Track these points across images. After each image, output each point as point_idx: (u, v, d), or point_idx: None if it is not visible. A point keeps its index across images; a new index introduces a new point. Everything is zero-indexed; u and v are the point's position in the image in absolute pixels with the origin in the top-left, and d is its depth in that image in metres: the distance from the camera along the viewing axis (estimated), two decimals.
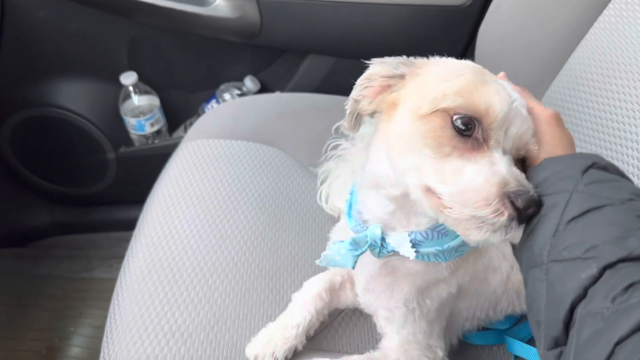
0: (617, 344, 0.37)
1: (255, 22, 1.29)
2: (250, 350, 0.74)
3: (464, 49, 1.37)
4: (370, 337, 0.81)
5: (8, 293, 1.48)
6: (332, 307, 0.80)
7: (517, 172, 0.50)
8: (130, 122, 1.45)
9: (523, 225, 0.50)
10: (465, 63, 0.57)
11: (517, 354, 0.78)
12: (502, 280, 0.73)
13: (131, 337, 0.76)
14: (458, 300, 0.72)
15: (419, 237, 0.60)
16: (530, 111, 0.55)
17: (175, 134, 1.56)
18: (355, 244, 0.61)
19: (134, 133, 1.48)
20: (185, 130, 1.48)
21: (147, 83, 1.45)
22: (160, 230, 0.91)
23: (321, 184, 1.05)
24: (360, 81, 0.59)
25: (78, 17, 1.31)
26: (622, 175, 0.51)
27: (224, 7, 1.26)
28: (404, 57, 0.59)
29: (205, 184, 1.00)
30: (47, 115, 1.41)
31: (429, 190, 0.52)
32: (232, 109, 1.23)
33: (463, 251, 0.63)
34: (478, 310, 0.76)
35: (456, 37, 1.33)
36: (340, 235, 0.72)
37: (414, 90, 0.55)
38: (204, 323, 0.78)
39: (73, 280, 1.54)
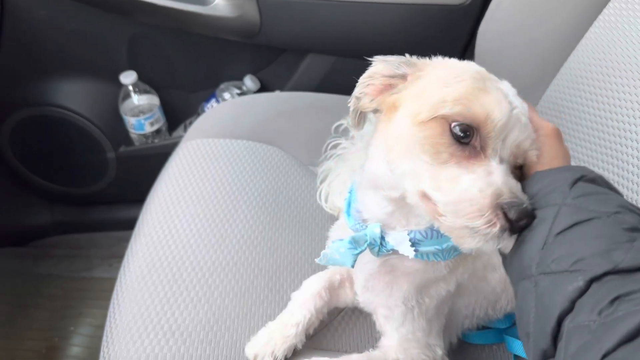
0: (604, 357, 0.37)
1: (254, 21, 1.29)
2: (250, 349, 0.75)
3: (464, 48, 1.37)
4: (370, 336, 0.81)
5: (8, 292, 1.48)
6: (331, 306, 0.80)
7: (512, 182, 0.50)
8: (130, 121, 1.45)
9: (515, 235, 0.50)
10: (467, 66, 0.56)
11: (516, 353, 0.78)
12: (501, 278, 0.73)
13: (131, 337, 0.76)
14: (457, 298, 0.72)
15: (418, 236, 0.60)
16: (530, 122, 0.55)
17: (175, 134, 1.56)
18: (354, 242, 0.61)
19: (133, 132, 1.48)
20: (185, 129, 1.48)
21: (147, 82, 1.45)
22: (160, 230, 0.91)
23: (321, 183, 1.05)
24: (362, 79, 0.59)
25: (78, 16, 1.31)
26: (610, 187, 0.51)
27: (224, 6, 1.26)
28: (407, 56, 0.59)
29: (205, 183, 1.00)
30: (46, 114, 1.41)
31: (425, 196, 0.52)
32: (232, 108, 1.23)
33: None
34: (477, 309, 0.76)
35: (456, 36, 1.33)
36: (340, 234, 0.72)
37: (414, 93, 0.55)
38: (204, 322, 0.78)
39: (73, 280, 1.54)
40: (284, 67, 1.48)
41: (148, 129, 1.46)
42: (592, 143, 0.85)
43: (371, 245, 0.62)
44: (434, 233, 0.60)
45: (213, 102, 1.49)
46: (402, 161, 0.54)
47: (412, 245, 0.60)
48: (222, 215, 0.94)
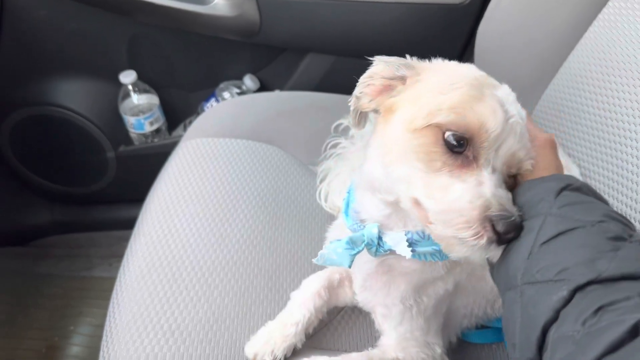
0: None
1: (254, 21, 1.29)
2: (250, 348, 0.75)
3: (464, 47, 1.37)
4: (369, 335, 0.81)
5: (8, 292, 1.48)
6: (330, 305, 0.80)
7: (502, 193, 0.50)
8: (130, 120, 1.45)
9: (503, 246, 0.50)
10: (466, 71, 0.56)
11: None
12: None
13: (130, 336, 0.76)
14: (455, 297, 0.72)
15: (415, 237, 0.60)
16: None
17: (175, 133, 1.56)
18: (352, 243, 0.62)
19: (133, 132, 1.48)
20: (185, 129, 1.48)
21: (147, 82, 1.45)
22: (160, 229, 0.91)
23: (320, 182, 1.05)
24: (362, 78, 0.59)
25: (77, 16, 1.31)
26: (595, 195, 0.51)
27: (223, 5, 1.26)
28: (408, 57, 0.59)
29: (205, 183, 1.00)
30: (46, 114, 1.41)
31: (417, 203, 0.53)
32: (232, 108, 1.23)
33: None
34: (476, 308, 0.76)
35: (455, 35, 1.33)
36: (338, 233, 0.73)
37: (410, 98, 0.55)
38: (204, 322, 0.78)
39: (73, 279, 1.54)
40: (283, 66, 1.48)
41: (148, 128, 1.46)
42: (592, 142, 0.85)
43: (369, 246, 0.62)
44: None
45: (213, 101, 1.49)
46: (396, 166, 0.55)
47: (410, 245, 0.60)
48: (222, 215, 0.94)
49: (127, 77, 1.38)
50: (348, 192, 0.68)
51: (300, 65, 1.45)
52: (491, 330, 0.82)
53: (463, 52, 1.38)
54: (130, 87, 1.41)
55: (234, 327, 0.79)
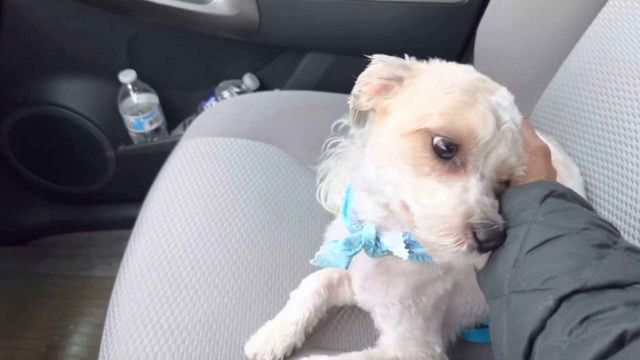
0: None
1: (254, 20, 1.29)
2: (249, 348, 0.75)
3: (463, 47, 1.36)
4: (369, 334, 0.81)
5: (8, 292, 1.48)
6: (330, 304, 0.80)
7: (487, 201, 0.50)
8: (129, 120, 1.45)
9: (488, 253, 0.50)
10: (461, 75, 0.55)
11: None
12: None
13: (130, 336, 0.76)
14: (454, 296, 0.72)
15: (412, 238, 0.60)
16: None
17: (174, 132, 1.55)
18: (349, 244, 0.61)
19: (133, 131, 1.48)
20: (184, 128, 1.48)
21: (146, 81, 1.45)
22: (159, 229, 0.91)
23: (320, 181, 1.05)
24: (360, 77, 0.59)
25: (77, 15, 1.31)
26: (579, 201, 0.51)
27: (223, 4, 1.26)
28: (406, 57, 0.59)
29: (204, 182, 1.00)
30: (46, 113, 1.41)
31: (405, 206, 0.53)
32: (231, 107, 1.23)
33: None
34: (475, 307, 0.76)
35: (455, 35, 1.33)
36: (337, 233, 0.73)
37: (404, 101, 0.55)
38: (203, 321, 0.78)
39: (73, 279, 1.54)
40: (283, 65, 1.48)
41: (147, 127, 1.46)
42: (592, 141, 0.85)
43: (366, 247, 0.62)
44: None
45: (212, 100, 1.49)
46: (387, 169, 0.55)
47: (407, 247, 0.60)
48: (222, 214, 0.94)
49: (127, 76, 1.38)
50: (347, 192, 0.68)
51: (299, 65, 1.45)
52: None
53: (463, 51, 1.38)
54: (129, 86, 1.41)
55: (234, 326, 0.79)
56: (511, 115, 0.52)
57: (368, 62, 0.59)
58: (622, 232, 0.75)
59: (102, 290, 1.44)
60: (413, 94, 0.55)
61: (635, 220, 0.73)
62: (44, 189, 1.57)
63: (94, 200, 1.63)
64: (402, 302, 0.68)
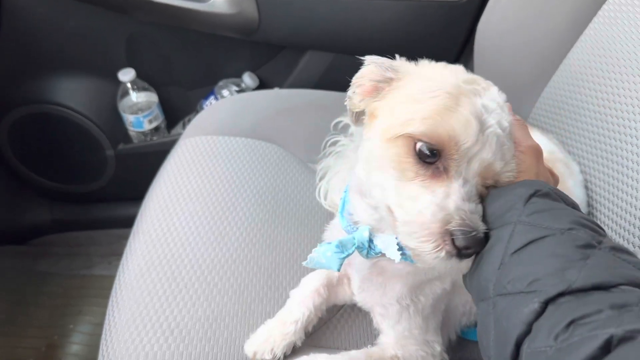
0: None
1: (253, 18, 1.29)
2: (249, 346, 0.75)
3: (463, 45, 1.36)
4: (368, 333, 0.81)
5: (8, 291, 1.48)
6: (330, 303, 0.80)
7: (467, 207, 0.50)
8: (129, 119, 1.44)
9: (472, 257, 0.50)
10: (448, 77, 0.54)
11: None
12: None
13: (130, 335, 0.76)
14: (453, 295, 0.72)
15: None
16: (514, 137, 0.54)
17: (174, 131, 1.55)
18: (341, 246, 0.61)
19: (132, 130, 1.48)
20: (184, 127, 1.48)
21: (145, 80, 1.45)
22: (159, 228, 0.91)
23: (320, 180, 1.05)
24: (354, 78, 0.59)
25: (76, 14, 1.31)
26: (564, 199, 0.51)
27: (222, 3, 1.26)
28: (397, 57, 0.59)
29: (204, 181, 1.00)
30: (45, 112, 1.41)
31: (390, 210, 0.54)
32: (231, 106, 1.22)
33: None
34: (474, 306, 0.76)
35: (455, 33, 1.33)
36: (335, 234, 0.73)
37: (389, 106, 0.55)
38: (203, 320, 0.78)
39: (73, 278, 1.54)
40: (282, 64, 1.48)
41: (147, 126, 1.46)
42: (592, 139, 0.85)
43: (359, 248, 0.61)
44: None
45: (211, 99, 1.49)
46: (374, 172, 0.55)
47: (400, 249, 0.59)
48: (221, 213, 0.94)
49: (126, 75, 1.38)
50: (344, 193, 0.68)
51: (299, 63, 1.45)
52: None
53: (462, 49, 1.38)
54: (129, 85, 1.41)
55: (234, 325, 0.79)
56: (498, 118, 0.51)
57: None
58: (621, 230, 0.75)
59: (102, 289, 1.44)
60: (398, 97, 0.55)
61: (635, 219, 0.72)
62: (44, 188, 1.57)
63: (94, 199, 1.63)
64: (399, 302, 0.68)
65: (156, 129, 1.49)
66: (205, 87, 1.51)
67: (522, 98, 1.04)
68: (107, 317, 0.82)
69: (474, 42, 1.18)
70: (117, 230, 1.62)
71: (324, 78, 1.44)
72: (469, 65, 1.34)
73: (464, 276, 0.54)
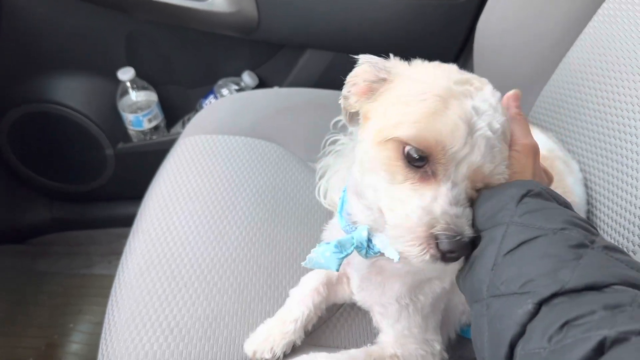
0: None
1: (252, 17, 1.29)
2: (249, 345, 0.75)
3: (462, 44, 1.36)
4: (368, 332, 0.81)
5: (8, 290, 1.48)
6: (329, 302, 0.80)
7: (454, 211, 0.50)
8: (128, 118, 1.44)
9: (457, 260, 0.51)
10: (439, 78, 0.53)
11: None
12: None
13: (129, 334, 0.76)
14: (453, 294, 0.72)
15: None
16: (512, 134, 0.54)
17: (173, 130, 1.55)
18: (340, 246, 0.61)
19: (131, 129, 1.48)
20: (183, 126, 1.48)
21: (145, 79, 1.44)
22: (158, 227, 0.91)
23: (319, 179, 1.05)
24: (348, 78, 0.59)
25: (75, 13, 1.31)
26: (556, 199, 0.50)
27: (221, 1, 1.26)
28: (391, 56, 0.59)
29: (203, 180, 1.00)
30: (44, 111, 1.41)
31: (381, 212, 0.54)
32: (230, 105, 1.22)
33: None
34: None
35: (454, 32, 1.33)
36: (334, 233, 0.73)
37: (380, 108, 0.55)
38: (202, 319, 0.78)
39: (72, 277, 1.54)
40: (282, 63, 1.48)
41: (146, 125, 1.46)
42: (591, 138, 0.85)
43: (358, 248, 0.61)
44: None
45: (211, 98, 1.49)
46: (367, 174, 0.56)
47: None
48: (221, 212, 0.94)
49: (125, 74, 1.38)
50: (343, 192, 0.68)
51: (299, 62, 1.45)
52: None
53: (462, 48, 1.38)
54: (128, 84, 1.41)
55: (233, 324, 0.79)
56: (488, 120, 0.50)
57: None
58: (621, 228, 0.75)
59: (102, 288, 1.44)
60: (390, 99, 0.55)
61: (635, 217, 0.72)
62: (43, 187, 1.57)
63: (93, 198, 1.63)
64: (399, 301, 0.68)
65: (156, 128, 1.49)
66: (205, 86, 1.51)
67: (521, 96, 1.04)
68: (106, 316, 0.82)
69: (474, 41, 1.18)
70: (117, 229, 1.62)
71: (324, 77, 1.44)
72: (468, 64, 1.34)
73: (457, 277, 0.54)
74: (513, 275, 0.44)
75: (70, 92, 1.41)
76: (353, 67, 0.60)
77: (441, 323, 0.74)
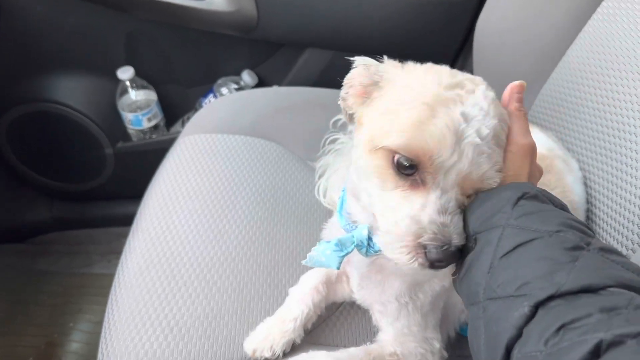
0: None
1: (252, 16, 1.29)
2: (249, 344, 0.75)
3: (462, 43, 1.36)
4: (368, 330, 0.81)
5: (7, 289, 1.48)
6: (329, 300, 0.80)
7: (440, 220, 0.50)
8: (128, 117, 1.44)
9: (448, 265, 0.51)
10: (428, 84, 0.52)
11: None
12: None
13: (129, 333, 0.76)
14: (452, 293, 0.72)
15: None
16: (509, 134, 0.54)
17: (173, 129, 1.55)
18: (340, 244, 0.61)
19: (131, 128, 1.48)
20: (183, 125, 1.48)
21: (144, 78, 1.44)
22: (158, 226, 0.91)
23: (319, 178, 1.05)
24: (345, 80, 0.60)
25: (74, 12, 1.30)
26: (552, 201, 0.50)
27: (221, 1, 1.26)
28: (385, 58, 0.59)
29: (203, 179, 1.00)
30: (44, 110, 1.41)
31: (375, 217, 0.55)
32: (230, 104, 1.22)
33: None
34: None
35: (454, 31, 1.33)
36: (334, 232, 0.73)
37: (371, 115, 0.56)
38: (202, 318, 0.78)
39: (72, 276, 1.54)
40: (282, 62, 1.48)
41: (146, 124, 1.46)
42: (591, 136, 0.85)
43: (358, 247, 0.62)
44: None
45: (211, 97, 1.49)
46: (362, 179, 0.57)
47: None
48: (220, 211, 0.94)
49: (125, 73, 1.38)
50: (342, 192, 0.68)
51: (298, 61, 1.44)
52: None
53: (462, 47, 1.38)
54: (127, 83, 1.41)
55: (233, 323, 0.79)
56: (477, 126, 0.50)
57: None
58: (620, 226, 0.75)
59: (102, 287, 1.44)
60: (380, 107, 0.55)
61: (634, 215, 0.72)
62: (43, 187, 1.57)
63: (93, 197, 1.63)
64: (398, 300, 0.68)
65: (155, 127, 1.49)
66: (204, 85, 1.51)
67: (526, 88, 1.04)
68: (106, 315, 0.82)
69: (473, 40, 1.18)
70: (117, 229, 1.62)
71: (323, 76, 1.44)
72: (468, 63, 1.34)
73: (454, 280, 0.54)
74: (509, 278, 0.44)
75: (70, 91, 1.41)
76: (352, 67, 0.60)
77: (441, 321, 0.74)
